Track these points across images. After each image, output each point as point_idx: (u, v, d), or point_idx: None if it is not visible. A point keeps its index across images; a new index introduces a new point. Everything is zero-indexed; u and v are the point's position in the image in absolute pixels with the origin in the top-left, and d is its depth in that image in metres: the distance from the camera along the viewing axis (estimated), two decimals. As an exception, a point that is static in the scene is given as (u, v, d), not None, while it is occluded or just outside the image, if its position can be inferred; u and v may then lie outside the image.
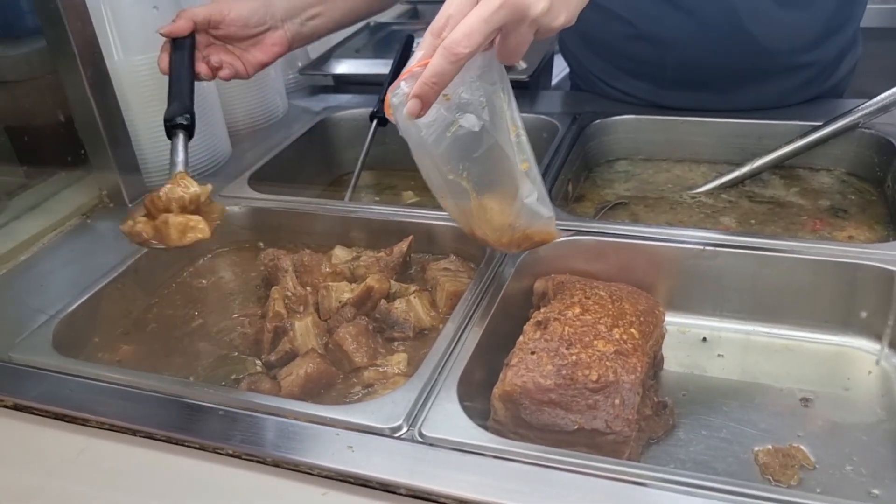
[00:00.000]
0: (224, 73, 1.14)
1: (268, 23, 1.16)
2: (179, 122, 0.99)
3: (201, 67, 1.11)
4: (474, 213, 0.85)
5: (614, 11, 1.29)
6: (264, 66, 1.18)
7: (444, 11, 0.74)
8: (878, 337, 0.91)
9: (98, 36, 1.11)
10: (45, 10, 1.07)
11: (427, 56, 0.74)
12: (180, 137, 0.99)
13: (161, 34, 1.09)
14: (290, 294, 0.96)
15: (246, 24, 1.13)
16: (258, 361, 0.90)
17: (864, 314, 0.91)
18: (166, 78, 1.17)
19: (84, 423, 0.77)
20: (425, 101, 0.75)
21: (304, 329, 0.90)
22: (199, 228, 0.88)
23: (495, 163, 0.81)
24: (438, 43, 0.73)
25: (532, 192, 0.83)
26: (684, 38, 1.26)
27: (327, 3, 1.23)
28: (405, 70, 0.76)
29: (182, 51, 1.08)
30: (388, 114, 0.80)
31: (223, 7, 1.12)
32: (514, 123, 0.82)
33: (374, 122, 1.28)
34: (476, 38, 0.71)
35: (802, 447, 0.78)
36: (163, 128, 1.19)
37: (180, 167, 0.95)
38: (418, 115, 0.76)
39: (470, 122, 0.79)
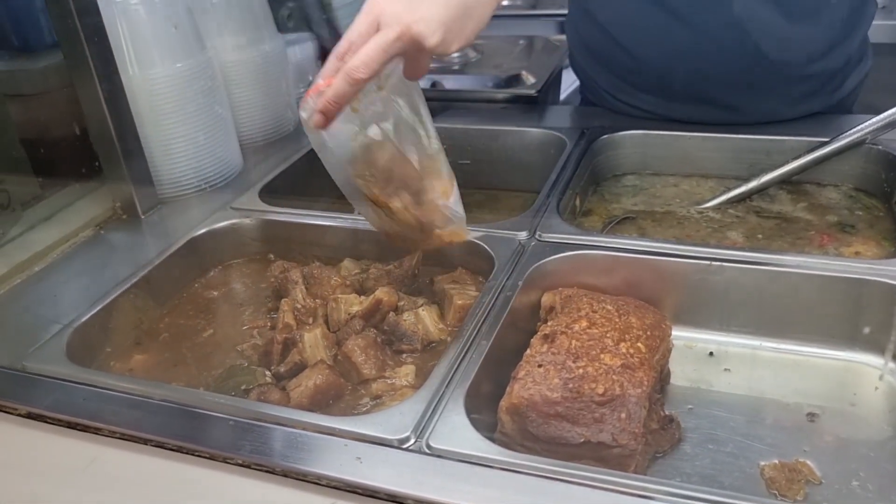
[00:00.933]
0: None
1: None
2: None
3: None
4: (384, 216, 0.93)
5: (618, 29, 1.31)
6: None
7: (348, 37, 0.84)
8: (883, 352, 0.91)
9: (114, 51, 1.13)
10: (62, 26, 1.10)
11: (331, 75, 0.83)
12: None
13: None
14: (299, 306, 0.97)
15: None
16: (268, 372, 0.91)
17: (870, 330, 0.91)
18: (180, 91, 1.20)
19: (96, 431, 0.78)
20: (328, 116, 0.84)
21: (313, 341, 0.91)
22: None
23: (400, 169, 0.90)
24: (341, 65, 0.82)
25: (445, 196, 0.91)
26: (692, 53, 1.27)
27: None
28: (313, 87, 0.85)
29: None
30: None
31: None
32: (424, 132, 0.90)
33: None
34: (373, 65, 0.81)
35: (809, 462, 0.78)
36: (176, 142, 1.23)
37: None
38: (323, 128, 0.85)
39: (373, 131, 0.89)
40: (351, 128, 0.88)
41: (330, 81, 0.83)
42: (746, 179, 1.22)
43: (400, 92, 0.89)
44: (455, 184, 0.92)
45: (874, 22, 1.42)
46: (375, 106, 0.88)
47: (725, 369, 0.94)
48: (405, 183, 0.90)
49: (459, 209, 0.92)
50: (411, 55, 0.85)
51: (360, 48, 0.81)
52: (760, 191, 1.21)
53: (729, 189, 1.23)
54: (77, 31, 1.09)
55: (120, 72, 1.14)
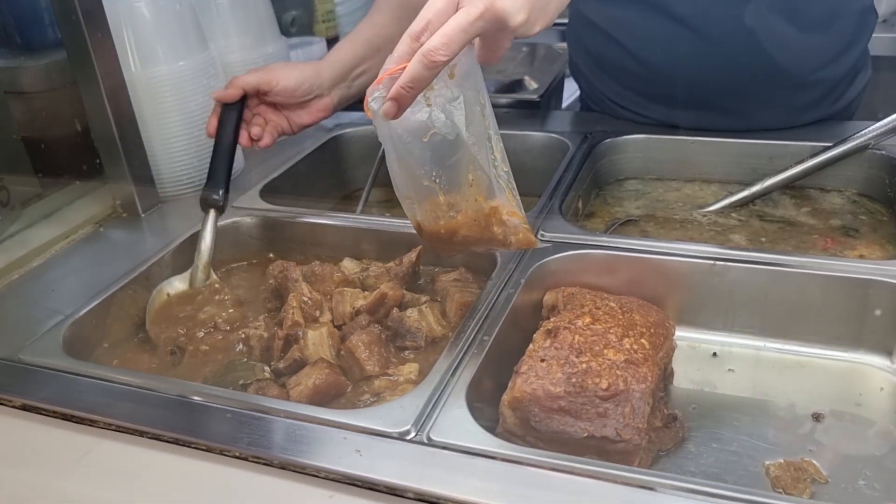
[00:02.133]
0: (265, 141, 1.20)
1: (314, 92, 1.23)
2: (214, 199, 1.09)
3: (243, 138, 1.18)
4: (445, 218, 0.86)
5: (625, 37, 1.31)
6: (309, 126, 1.26)
7: (424, 15, 0.75)
8: (889, 353, 0.90)
9: (117, 48, 1.12)
10: (66, 23, 1.10)
11: (404, 59, 0.76)
12: (211, 215, 1.08)
13: (214, 99, 1.15)
14: (306, 300, 0.95)
15: (293, 94, 1.20)
16: (267, 368, 0.90)
17: (875, 330, 0.90)
18: (182, 89, 1.20)
19: (91, 423, 0.77)
20: (402, 104, 0.77)
21: (317, 339, 0.90)
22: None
23: (467, 170, 0.83)
24: (416, 47, 0.75)
25: (509, 205, 0.85)
26: (700, 61, 1.27)
27: (374, 58, 1.27)
28: (383, 71, 0.77)
29: (230, 115, 1.15)
30: (368, 114, 0.81)
31: (273, 77, 1.18)
32: (490, 129, 0.83)
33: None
34: (454, 46, 0.73)
35: (814, 461, 0.77)
36: (177, 140, 1.22)
37: (204, 253, 1.06)
38: (394, 117, 0.78)
39: (446, 128, 0.80)
40: (424, 122, 0.80)
41: (403, 66, 0.75)
42: (749, 184, 1.22)
43: (468, 80, 0.80)
44: (514, 186, 0.86)
45: (876, 34, 1.42)
46: (446, 95, 0.80)
47: (729, 370, 0.93)
48: (472, 185, 0.84)
49: (521, 214, 0.86)
50: (490, 36, 0.77)
51: (439, 27, 0.74)
52: (763, 195, 1.20)
53: (732, 193, 1.22)
54: (81, 28, 1.09)
55: (122, 69, 1.14)
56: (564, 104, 1.82)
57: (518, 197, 0.86)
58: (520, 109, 1.49)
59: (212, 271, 1.06)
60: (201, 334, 0.97)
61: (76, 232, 1.16)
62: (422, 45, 0.74)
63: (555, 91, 1.64)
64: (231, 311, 1.01)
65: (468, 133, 0.80)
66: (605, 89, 1.43)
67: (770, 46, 1.23)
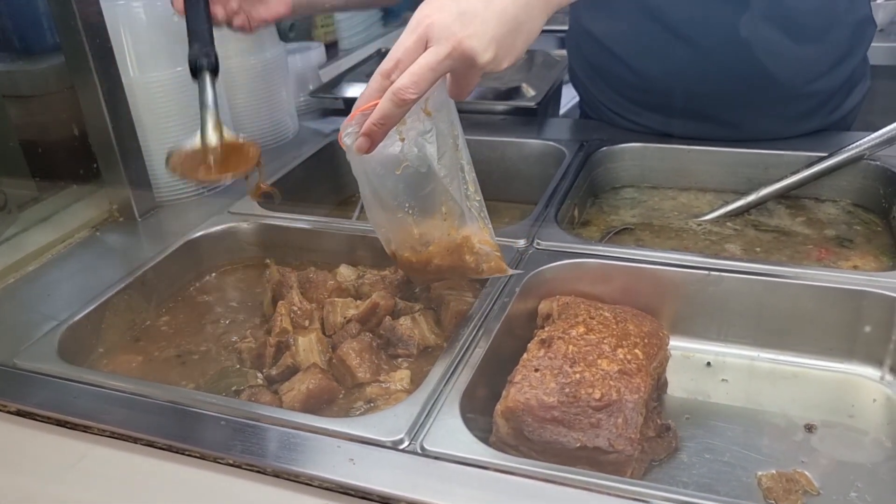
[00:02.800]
0: (237, 21, 1.15)
1: None
2: (203, 61, 1.01)
3: (218, 10, 1.12)
4: (418, 249, 0.89)
5: (621, 47, 1.32)
6: (266, 23, 1.21)
7: (393, 55, 0.78)
8: (881, 364, 0.90)
9: (115, 53, 1.13)
10: (64, 28, 1.10)
11: (375, 96, 0.78)
12: (206, 77, 1.01)
13: None
14: (296, 309, 0.96)
15: None
16: (259, 374, 0.90)
17: (868, 342, 0.91)
18: (180, 95, 1.20)
19: (85, 429, 0.77)
20: (374, 140, 0.79)
21: (307, 345, 0.90)
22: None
23: (440, 201, 0.86)
24: (387, 84, 0.77)
25: (481, 234, 0.87)
26: (695, 72, 1.27)
27: None
28: (355, 108, 0.80)
29: None
30: (343, 146, 0.84)
31: None
32: (464, 161, 0.86)
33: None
34: (423, 84, 0.76)
35: (806, 473, 0.77)
36: (173, 144, 1.21)
37: (211, 108, 0.99)
38: (367, 152, 0.80)
39: (419, 161, 0.83)
40: (396, 156, 0.84)
41: (375, 103, 0.78)
42: (745, 193, 1.22)
43: (440, 113, 0.84)
44: (486, 214, 0.89)
45: (874, 44, 1.43)
46: (418, 129, 0.83)
47: (723, 380, 0.93)
48: (444, 217, 0.86)
49: (493, 244, 0.89)
50: (460, 73, 0.80)
51: (408, 66, 0.76)
52: (759, 205, 1.21)
53: (727, 203, 1.23)
54: (79, 32, 1.09)
55: (121, 74, 1.14)
56: (562, 111, 1.83)
57: (490, 226, 0.89)
58: (517, 116, 1.49)
59: (225, 128, 1.02)
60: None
61: (73, 236, 1.16)
62: (392, 82, 0.76)
63: (552, 98, 1.64)
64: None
65: (440, 165, 0.83)
66: (602, 97, 1.43)
67: (765, 57, 1.24)
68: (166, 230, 1.17)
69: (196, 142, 1.00)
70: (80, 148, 1.20)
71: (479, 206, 0.88)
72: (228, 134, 1.01)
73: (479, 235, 0.87)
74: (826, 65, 1.29)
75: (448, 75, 0.81)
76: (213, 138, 0.99)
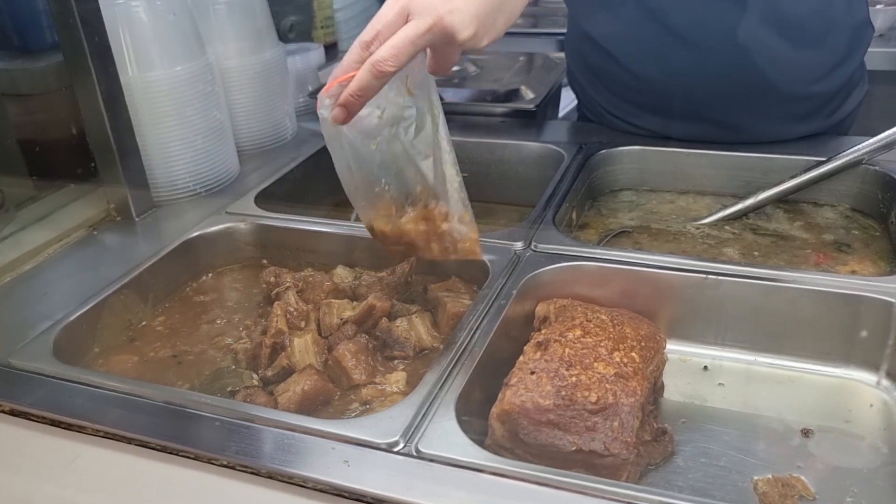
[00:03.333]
0: None
1: None
2: None
3: None
4: (393, 221, 0.89)
5: (620, 50, 1.31)
6: None
7: (373, 26, 0.78)
8: (878, 369, 0.90)
9: (114, 52, 1.12)
10: (63, 27, 1.09)
11: (353, 67, 0.78)
12: None
13: None
14: (292, 310, 0.96)
15: None
16: (255, 375, 0.90)
17: (865, 347, 0.90)
18: (179, 94, 1.20)
19: (80, 430, 0.77)
20: (350, 111, 0.79)
21: (303, 346, 0.90)
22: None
23: (416, 177, 0.86)
24: (366, 56, 0.77)
25: (459, 213, 0.87)
26: (694, 74, 1.27)
27: None
28: (331, 79, 0.80)
29: None
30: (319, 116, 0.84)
31: None
32: (442, 139, 0.86)
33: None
34: (402, 58, 0.76)
35: (803, 478, 0.77)
36: (173, 145, 1.22)
37: None
38: (343, 122, 0.80)
39: (396, 136, 0.84)
40: (372, 130, 0.84)
41: (352, 75, 0.78)
42: (743, 197, 1.22)
43: (420, 90, 0.84)
44: (465, 196, 0.88)
45: (873, 49, 1.43)
46: (398, 103, 0.83)
47: (720, 384, 0.93)
48: (419, 193, 0.87)
49: (471, 225, 0.88)
50: (440, 48, 0.81)
51: (388, 38, 0.76)
52: (757, 209, 1.21)
53: (725, 206, 1.23)
54: (78, 31, 1.09)
55: (119, 73, 1.14)
56: (561, 113, 1.83)
57: (468, 205, 0.88)
58: (516, 119, 1.49)
59: None
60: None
61: (70, 235, 1.16)
62: (371, 54, 0.76)
63: (551, 100, 1.64)
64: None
65: (417, 141, 0.84)
66: (600, 100, 1.43)
67: (763, 60, 1.24)
68: (163, 230, 1.17)
69: None
70: (77, 147, 1.20)
71: (459, 186, 0.87)
72: None
73: (456, 214, 0.87)
74: (824, 68, 1.29)
75: (428, 50, 0.81)
76: None
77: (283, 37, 1.79)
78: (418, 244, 0.89)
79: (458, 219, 0.87)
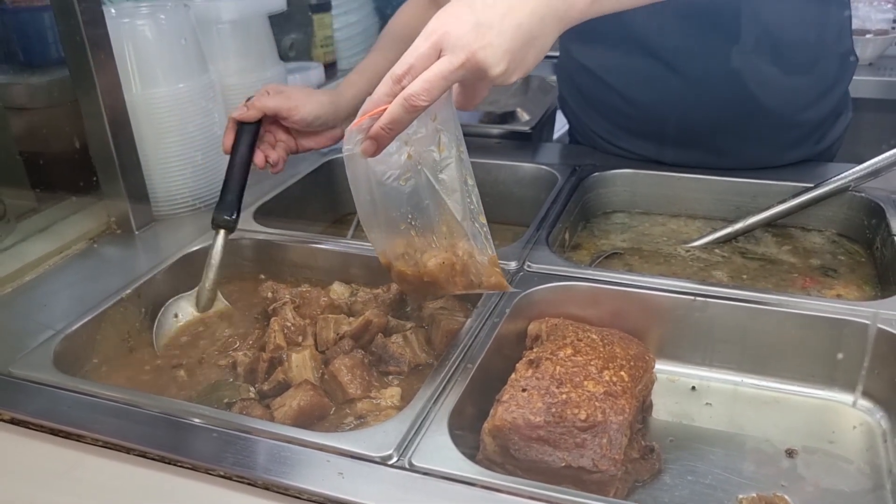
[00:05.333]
0: (279, 167, 1.21)
1: (329, 124, 1.25)
2: (225, 219, 1.09)
3: (259, 158, 1.17)
4: (414, 261, 0.89)
5: (611, 76, 1.34)
6: (313, 150, 1.28)
7: (406, 59, 0.78)
8: (862, 393, 0.92)
9: (118, 68, 1.15)
10: (70, 44, 1.12)
11: (384, 101, 0.78)
12: (221, 235, 1.08)
13: (232, 118, 1.15)
14: (289, 324, 0.97)
15: (309, 125, 1.22)
16: (252, 389, 0.91)
17: (849, 370, 0.92)
18: (181, 111, 1.22)
19: (78, 439, 0.78)
20: (380, 144, 0.80)
21: (300, 361, 0.91)
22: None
23: (442, 214, 0.85)
24: (398, 90, 0.77)
25: (483, 249, 0.87)
26: (686, 101, 1.30)
27: None
28: (362, 112, 0.80)
29: (247, 135, 1.15)
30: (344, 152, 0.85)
31: (292, 105, 1.19)
32: (467, 175, 0.85)
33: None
34: (435, 92, 0.76)
35: (787, 497, 0.79)
36: (174, 160, 1.24)
37: (214, 266, 1.08)
38: (372, 155, 0.81)
39: (424, 172, 0.83)
40: (402, 165, 0.83)
41: (383, 109, 0.78)
42: (733, 221, 1.25)
43: (447, 125, 0.83)
44: (490, 239, 0.88)
45: (863, 78, 1.47)
46: (425, 140, 0.83)
47: (707, 404, 0.95)
48: (445, 231, 0.86)
49: (494, 262, 0.88)
50: (470, 83, 0.81)
51: (421, 72, 0.76)
52: (746, 232, 1.23)
53: (715, 230, 1.25)
54: (84, 49, 1.11)
55: (123, 89, 1.16)
56: (556, 135, 1.85)
57: (491, 240, 0.88)
58: (511, 140, 1.52)
59: (219, 293, 1.09)
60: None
61: (70, 247, 1.18)
62: (403, 87, 0.77)
63: (547, 122, 1.67)
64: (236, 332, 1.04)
65: (445, 177, 0.83)
66: (593, 125, 1.46)
67: (754, 87, 1.27)
68: (163, 243, 1.18)
69: (189, 306, 1.08)
70: (80, 160, 1.22)
71: (483, 219, 0.87)
72: (221, 301, 1.09)
73: (481, 250, 0.87)
74: (813, 94, 1.33)
75: (456, 85, 0.81)
76: (203, 298, 1.07)
77: (284, 55, 1.82)
78: (441, 282, 0.88)
79: (482, 253, 0.87)
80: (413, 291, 0.94)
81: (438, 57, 0.77)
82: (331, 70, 2.01)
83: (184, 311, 1.07)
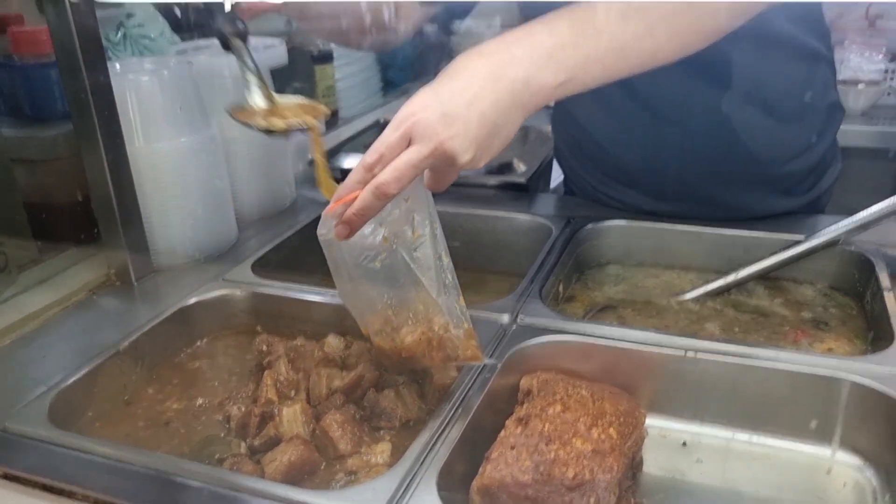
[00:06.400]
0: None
1: None
2: (234, 27, 1.06)
3: None
4: (392, 338, 0.92)
5: (602, 129, 1.37)
6: None
7: (376, 149, 0.82)
8: (854, 450, 0.92)
9: (122, 122, 1.17)
10: (74, 100, 1.14)
11: (356, 188, 0.82)
12: (241, 46, 1.07)
13: None
14: (282, 379, 0.98)
15: None
16: (243, 444, 0.92)
17: (839, 426, 0.93)
18: (183, 165, 1.25)
19: (70, 496, 0.79)
20: (353, 229, 0.84)
21: (291, 416, 0.92)
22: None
23: (417, 292, 0.88)
24: (369, 177, 0.81)
25: (458, 323, 0.89)
26: (678, 153, 1.32)
27: None
28: (335, 199, 0.84)
29: None
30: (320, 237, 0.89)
31: None
32: (442, 252, 0.89)
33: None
34: (404, 180, 0.80)
35: (776, 557, 0.79)
36: (174, 213, 1.26)
37: (253, 69, 1.06)
38: (345, 238, 0.84)
39: (398, 252, 0.87)
40: (376, 247, 0.87)
41: (356, 195, 0.82)
42: (725, 273, 1.26)
43: (420, 205, 0.87)
44: (464, 305, 0.91)
45: (855, 127, 1.50)
46: (398, 221, 0.87)
47: (698, 460, 0.95)
48: (420, 307, 0.89)
49: (469, 335, 0.90)
50: (439, 169, 0.85)
51: (391, 160, 0.80)
52: (739, 285, 1.24)
53: (709, 282, 1.26)
54: (88, 104, 1.14)
55: (126, 142, 1.19)
56: (554, 184, 1.88)
57: (467, 314, 0.91)
58: (508, 191, 1.54)
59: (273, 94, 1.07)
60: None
61: (70, 299, 1.19)
62: (374, 175, 0.81)
63: (543, 173, 1.69)
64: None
65: (420, 255, 0.86)
66: (586, 175, 1.48)
67: (743, 138, 1.29)
68: (162, 295, 1.20)
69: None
70: (82, 212, 1.24)
71: (457, 293, 0.90)
72: (280, 98, 1.08)
73: (456, 324, 0.89)
74: (802, 145, 1.35)
75: (427, 169, 0.85)
76: (260, 102, 1.06)
77: (286, 105, 1.86)
78: (418, 356, 0.91)
79: (457, 326, 0.89)
80: (392, 365, 0.96)
81: (408, 145, 0.81)
82: (332, 119, 2.04)
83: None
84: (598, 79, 0.91)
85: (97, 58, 1.14)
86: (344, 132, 2.03)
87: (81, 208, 1.25)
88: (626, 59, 0.91)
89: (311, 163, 1.06)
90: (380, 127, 1.91)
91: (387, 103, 2.30)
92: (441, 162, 0.82)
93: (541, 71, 0.85)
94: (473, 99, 0.82)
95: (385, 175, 0.80)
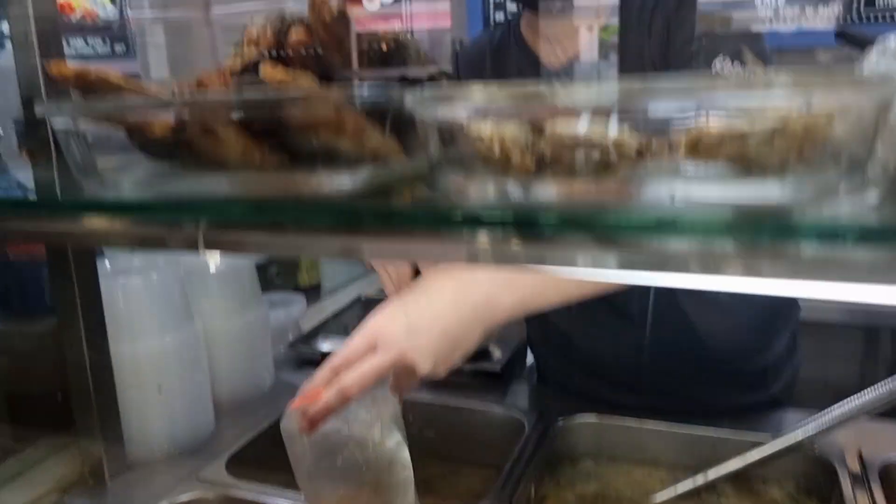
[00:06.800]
0: None
1: None
2: None
3: None
4: None
5: (576, 332, 1.44)
6: None
7: (344, 353, 0.90)
8: None
9: (107, 320, 1.21)
10: (61, 299, 1.19)
11: (321, 385, 0.89)
12: None
13: None
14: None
15: None
16: None
17: None
18: (164, 363, 1.28)
19: None
20: (315, 423, 0.89)
21: None
22: None
23: (377, 487, 0.92)
24: (334, 378, 0.88)
25: None
26: (640, 348, 1.39)
27: None
28: (300, 393, 0.91)
29: None
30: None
31: None
32: (404, 449, 0.93)
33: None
34: (366, 384, 0.88)
35: None
36: (152, 409, 1.28)
37: None
38: (308, 432, 0.89)
39: (360, 448, 0.91)
40: (336, 443, 0.92)
41: (321, 392, 0.89)
42: (695, 473, 1.27)
43: (384, 404, 0.93)
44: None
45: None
46: (362, 419, 0.92)
47: None
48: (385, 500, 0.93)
49: None
50: (401, 376, 0.93)
51: (355, 365, 0.88)
52: (708, 488, 1.26)
53: (679, 480, 1.28)
54: (75, 304, 1.18)
55: (109, 339, 1.22)
56: (529, 363, 1.91)
57: None
58: (482, 379, 1.58)
59: None
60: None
61: (41, 501, 1.19)
62: (339, 378, 0.88)
63: (518, 358, 1.73)
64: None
65: (381, 451, 0.91)
66: (556, 364, 1.54)
67: (710, 338, 1.36)
68: (135, 496, 1.20)
69: None
70: (60, 408, 1.26)
71: (414, 494, 0.94)
72: None
73: None
74: (763, 340, 1.42)
75: (391, 374, 0.92)
76: None
77: (270, 282, 1.92)
78: None
79: None
80: None
81: (373, 353, 0.88)
82: (313, 293, 2.10)
83: None
84: (552, 303, 1.05)
85: (87, 259, 1.19)
86: (327, 305, 2.07)
87: (60, 405, 1.26)
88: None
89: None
90: (361, 304, 1.97)
91: (368, 274, 2.36)
92: (402, 370, 0.89)
93: (500, 292, 0.94)
94: (437, 316, 0.91)
95: (349, 378, 0.87)
